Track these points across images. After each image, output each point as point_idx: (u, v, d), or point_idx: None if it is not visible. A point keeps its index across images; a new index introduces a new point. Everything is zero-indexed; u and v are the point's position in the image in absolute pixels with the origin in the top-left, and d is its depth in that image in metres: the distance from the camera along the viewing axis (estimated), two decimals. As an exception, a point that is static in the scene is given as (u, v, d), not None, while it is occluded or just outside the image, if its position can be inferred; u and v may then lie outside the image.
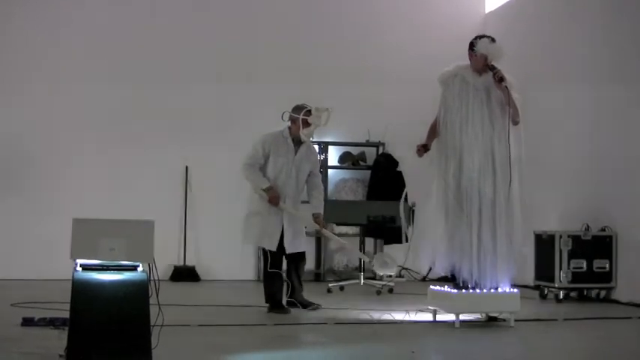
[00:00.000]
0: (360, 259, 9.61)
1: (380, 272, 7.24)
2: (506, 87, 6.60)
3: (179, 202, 10.67)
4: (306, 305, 7.41)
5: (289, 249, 7.31)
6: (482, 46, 6.72)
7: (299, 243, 7.39)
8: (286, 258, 7.40)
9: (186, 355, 5.29)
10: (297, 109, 7.32)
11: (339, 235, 10.81)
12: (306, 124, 7.24)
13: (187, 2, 10.97)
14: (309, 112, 7.25)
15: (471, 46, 6.79)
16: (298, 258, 7.44)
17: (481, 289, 6.60)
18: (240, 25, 10.97)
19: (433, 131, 6.89)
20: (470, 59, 6.79)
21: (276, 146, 7.32)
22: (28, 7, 10.50)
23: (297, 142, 7.35)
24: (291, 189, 7.34)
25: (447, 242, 6.68)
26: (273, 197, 7.22)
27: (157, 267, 4.64)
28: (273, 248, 7.28)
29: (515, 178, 6.68)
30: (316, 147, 7.65)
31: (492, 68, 6.67)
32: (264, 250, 7.36)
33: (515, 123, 6.73)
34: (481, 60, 6.72)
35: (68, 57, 10.54)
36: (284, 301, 7.39)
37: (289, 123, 7.39)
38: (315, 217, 7.42)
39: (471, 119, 6.67)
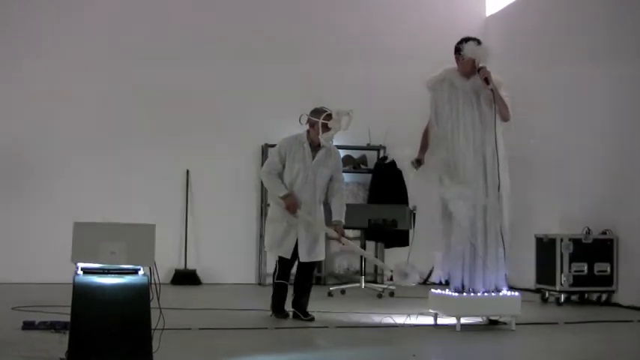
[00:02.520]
0: (362, 259, 9.60)
1: (401, 283, 7.06)
2: (492, 89, 6.60)
3: (180, 206, 10.67)
4: (304, 315, 7.16)
5: (305, 258, 7.11)
6: (468, 50, 6.72)
7: (316, 252, 7.16)
8: (298, 264, 7.23)
9: (187, 358, 5.29)
10: (317, 112, 7.11)
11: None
12: (326, 128, 7.02)
13: (187, 6, 10.97)
14: (329, 117, 7.02)
15: (457, 50, 6.78)
16: (310, 266, 7.25)
17: (475, 293, 6.60)
18: (240, 30, 10.97)
19: (425, 141, 6.90)
20: (457, 63, 6.80)
21: (292, 151, 7.12)
22: (28, 10, 10.51)
23: (316, 147, 7.16)
24: (308, 195, 7.10)
25: (442, 249, 6.70)
26: (290, 205, 7.02)
27: (158, 270, 4.63)
28: (286, 256, 7.15)
29: (506, 177, 6.68)
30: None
31: (478, 69, 6.68)
32: (278, 257, 7.25)
33: (506, 120, 6.72)
34: (469, 63, 6.73)
35: (69, 61, 10.54)
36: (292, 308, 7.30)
37: (307, 126, 7.19)
38: (335, 224, 7.10)
39: (462, 124, 6.69)
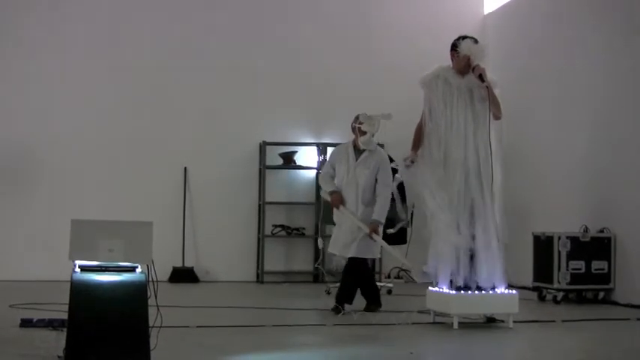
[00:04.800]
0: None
1: (419, 281, 7.34)
2: (487, 86, 6.61)
3: (178, 203, 10.66)
4: (368, 307, 7.52)
5: (341, 252, 7.60)
6: (465, 47, 6.74)
7: (353, 248, 7.48)
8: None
9: (184, 356, 5.30)
10: (355, 118, 7.66)
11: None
12: (362, 132, 7.52)
13: (186, 5, 10.96)
14: (360, 122, 7.56)
15: (454, 46, 6.82)
16: (352, 262, 7.53)
17: (472, 290, 6.60)
18: (240, 27, 10.96)
19: (418, 138, 6.91)
20: (452, 59, 6.82)
21: (339, 156, 7.71)
22: (30, 10, 10.49)
23: (360, 151, 7.63)
24: (352, 195, 7.56)
25: (433, 246, 6.71)
26: (333, 200, 7.61)
27: (156, 268, 4.64)
28: (343, 254, 7.61)
29: (498, 173, 6.69)
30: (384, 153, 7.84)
31: (473, 67, 6.69)
32: None
33: (497, 118, 6.75)
34: (464, 60, 6.75)
35: (68, 59, 10.53)
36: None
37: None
38: (370, 223, 7.44)
39: (455, 121, 6.70)
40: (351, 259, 7.51)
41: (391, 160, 10.64)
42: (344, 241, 7.53)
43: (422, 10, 11.40)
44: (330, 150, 10.93)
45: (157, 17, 10.83)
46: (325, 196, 7.77)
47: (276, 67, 10.93)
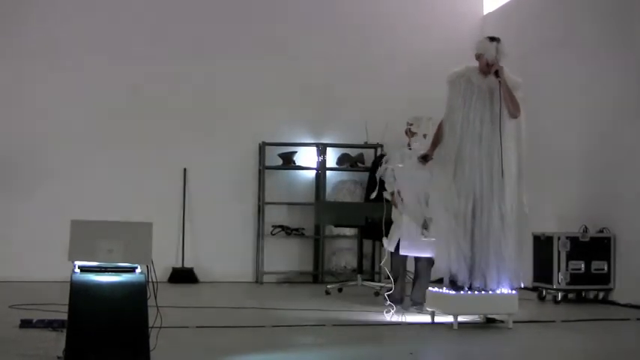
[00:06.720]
0: (359, 257, 9.61)
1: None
2: (499, 81, 6.62)
3: (177, 204, 10.66)
4: (414, 304, 7.64)
5: (401, 251, 7.77)
6: (480, 46, 6.77)
7: (409, 246, 7.70)
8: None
9: (184, 356, 5.30)
10: (406, 123, 7.91)
11: (337, 236, 10.85)
12: (412, 132, 7.80)
13: (185, 5, 10.96)
14: (410, 124, 7.82)
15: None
16: (422, 261, 7.74)
17: (486, 290, 6.60)
18: (240, 27, 10.96)
19: (437, 138, 6.93)
20: (477, 59, 6.85)
21: (395, 160, 7.91)
22: (29, 9, 10.49)
23: (415, 152, 7.74)
24: (412, 197, 7.73)
25: (443, 244, 6.70)
26: (392, 199, 7.84)
27: (155, 269, 4.64)
28: (389, 248, 7.88)
29: (513, 176, 6.69)
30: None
31: (491, 65, 6.70)
32: None
33: (513, 117, 6.75)
34: (481, 59, 6.75)
35: (67, 58, 10.52)
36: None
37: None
38: (425, 219, 7.67)
39: (471, 120, 6.71)
40: (424, 258, 7.72)
41: (382, 157, 10.70)
42: (403, 239, 7.70)
43: (421, 11, 11.39)
44: (329, 150, 11.01)
45: (157, 17, 10.82)
46: (387, 195, 7.98)
47: (276, 67, 10.92)
